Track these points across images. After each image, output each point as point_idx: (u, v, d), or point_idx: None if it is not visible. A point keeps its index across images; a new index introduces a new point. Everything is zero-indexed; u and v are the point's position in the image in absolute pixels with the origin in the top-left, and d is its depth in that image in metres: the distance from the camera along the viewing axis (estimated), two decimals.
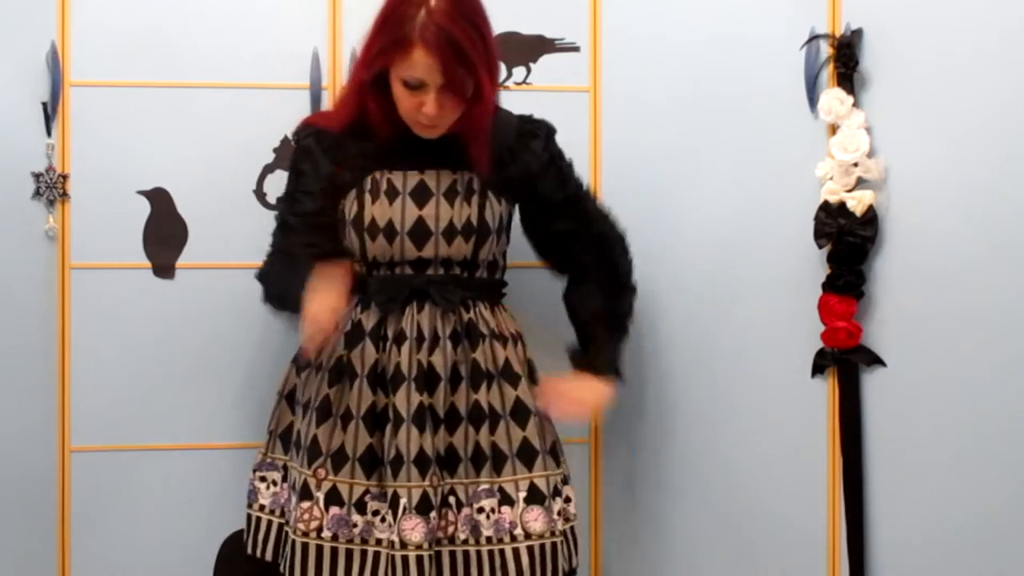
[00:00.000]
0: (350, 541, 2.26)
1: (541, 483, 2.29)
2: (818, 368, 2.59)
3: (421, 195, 2.30)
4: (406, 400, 2.26)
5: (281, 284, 2.36)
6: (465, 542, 2.26)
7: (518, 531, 2.26)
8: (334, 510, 2.27)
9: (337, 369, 2.31)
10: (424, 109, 2.20)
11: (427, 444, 2.25)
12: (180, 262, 2.63)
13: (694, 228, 2.67)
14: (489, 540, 2.26)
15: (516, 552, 2.26)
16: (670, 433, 2.69)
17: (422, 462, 2.24)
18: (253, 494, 2.40)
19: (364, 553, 2.26)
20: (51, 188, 2.58)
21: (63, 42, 2.58)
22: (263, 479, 2.39)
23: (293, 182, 2.37)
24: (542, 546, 2.28)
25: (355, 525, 2.26)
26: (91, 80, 2.60)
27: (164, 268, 2.62)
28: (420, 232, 2.29)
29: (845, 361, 2.56)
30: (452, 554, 2.27)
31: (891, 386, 2.53)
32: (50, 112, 2.57)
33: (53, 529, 2.61)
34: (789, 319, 2.61)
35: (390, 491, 2.25)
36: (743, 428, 2.65)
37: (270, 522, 2.37)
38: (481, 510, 2.26)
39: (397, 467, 2.24)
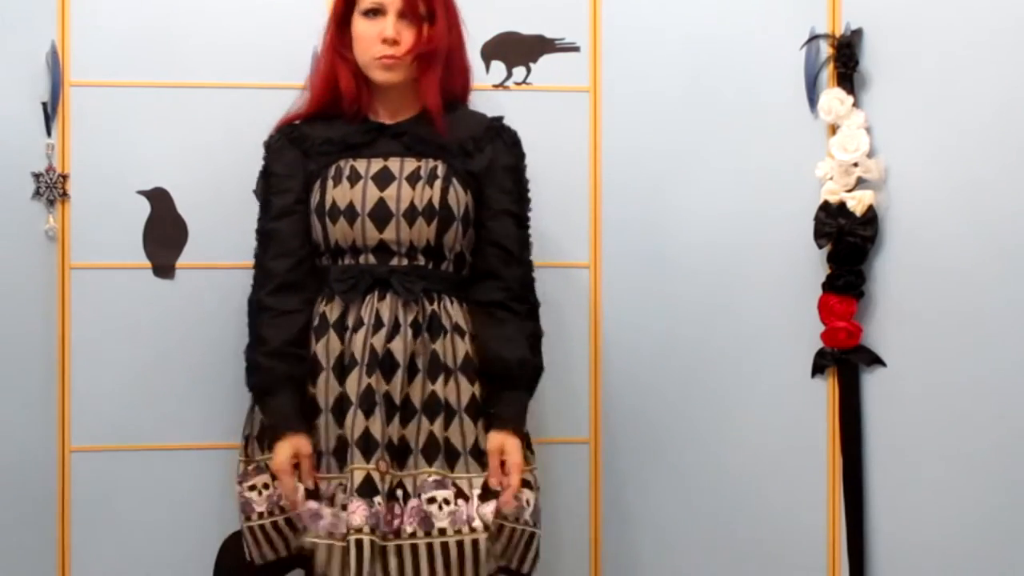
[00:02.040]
0: (316, 536, 2.25)
1: (492, 482, 2.27)
2: (818, 368, 2.59)
3: (383, 179, 2.31)
4: (356, 383, 2.25)
5: (257, 395, 2.34)
6: (413, 535, 2.23)
7: (476, 523, 2.24)
8: (310, 504, 2.27)
9: (311, 369, 2.31)
10: (384, 32, 2.28)
11: (375, 428, 2.23)
12: (180, 262, 2.62)
13: (694, 228, 2.67)
14: (443, 532, 2.23)
15: (475, 543, 2.24)
16: (670, 433, 2.69)
17: (367, 444, 2.22)
18: (248, 505, 2.36)
19: (330, 548, 2.24)
20: (51, 188, 2.57)
21: (63, 42, 2.58)
22: (253, 487, 2.36)
23: (264, 188, 2.39)
24: (500, 526, 2.29)
25: (322, 517, 2.25)
26: (91, 80, 2.59)
27: (164, 268, 2.62)
28: (381, 214, 2.29)
29: (845, 361, 2.56)
30: (399, 548, 2.23)
31: (891, 386, 2.53)
32: (50, 112, 2.57)
33: (53, 529, 2.60)
34: (789, 319, 2.61)
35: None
36: (744, 428, 2.65)
37: (274, 523, 2.35)
38: (432, 500, 2.24)
39: (343, 451, 2.25)
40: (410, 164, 2.32)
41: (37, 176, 2.57)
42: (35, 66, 2.57)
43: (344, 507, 2.23)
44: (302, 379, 2.30)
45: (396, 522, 2.24)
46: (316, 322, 2.32)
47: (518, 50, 2.69)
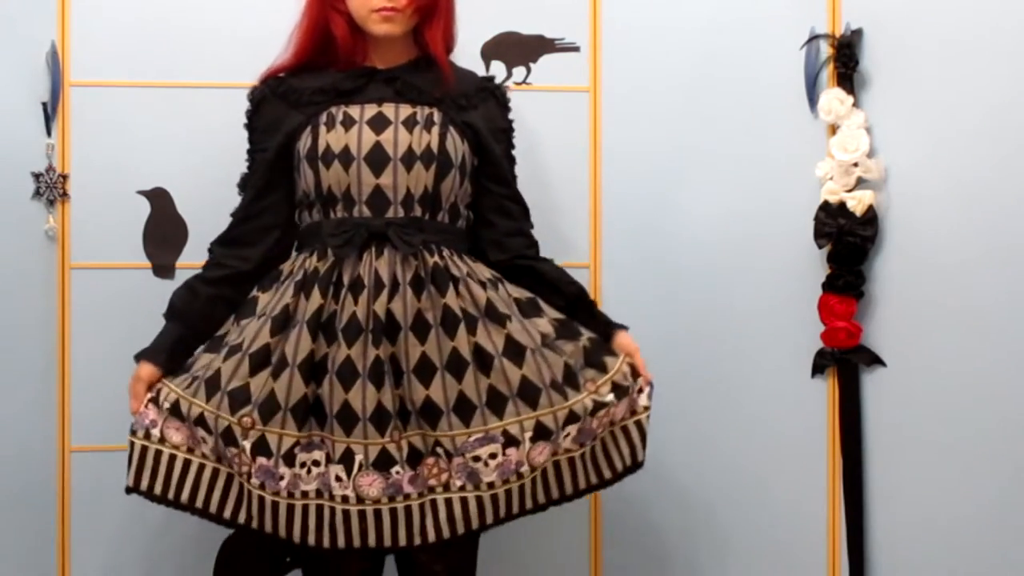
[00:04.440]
0: (276, 494, 2.16)
1: (547, 420, 2.18)
2: (818, 368, 2.59)
3: (379, 123, 2.26)
4: (362, 354, 2.17)
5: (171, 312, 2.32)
6: (463, 488, 2.17)
7: (524, 468, 2.17)
8: (261, 460, 2.16)
9: (283, 317, 2.22)
10: None
11: (386, 399, 2.16)
12: (180, 262, 2.63)
13: (694, 228, 2.67)
14: (492, 485, 2.16)
15: (521, 488, 2.18)
16: (671, 432, 2.68)
17: (380, 418, 2.15)
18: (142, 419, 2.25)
19: (291, 508, 2.16)
20: (51, 188, 2.58)
21: (63, 42, 2.58)
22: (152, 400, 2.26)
23: (248, 140, 2.37)
24: (544, 471, 2.21)
25: (281, 478, 2.16)
26: (91, 80, 2.60)
27: (164, 268, 2.62)
28: (378, 157, 2.23)
29: (845, 361, 2.56)
30: (449, 501, 2.18)
31: (891, 386, 2.54)
32: (50, 112, 2.57)
33: (53, 529, 2.61)
34: (789, 319, 2.61)
35: (339, 446, 2.16)
36: (744, 428, 2.65)
37: (131, 444, 2.25)
38: (477, 459, 2.16)
39: (350, 423, 2.16)
40: (405, 110, 2.27)
41: (37, 176, 2.57)
42: (35, 66, 2.57)
43: (303, 464, 2.16)
44: (190, 317, 2.28)
45: (444, 476, 2.18)
46: (299, 276, 2.25)
47: (518, 50, 2.69)
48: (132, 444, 2.25)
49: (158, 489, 2.24)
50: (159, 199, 2.62)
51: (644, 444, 2.31)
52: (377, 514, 2.17)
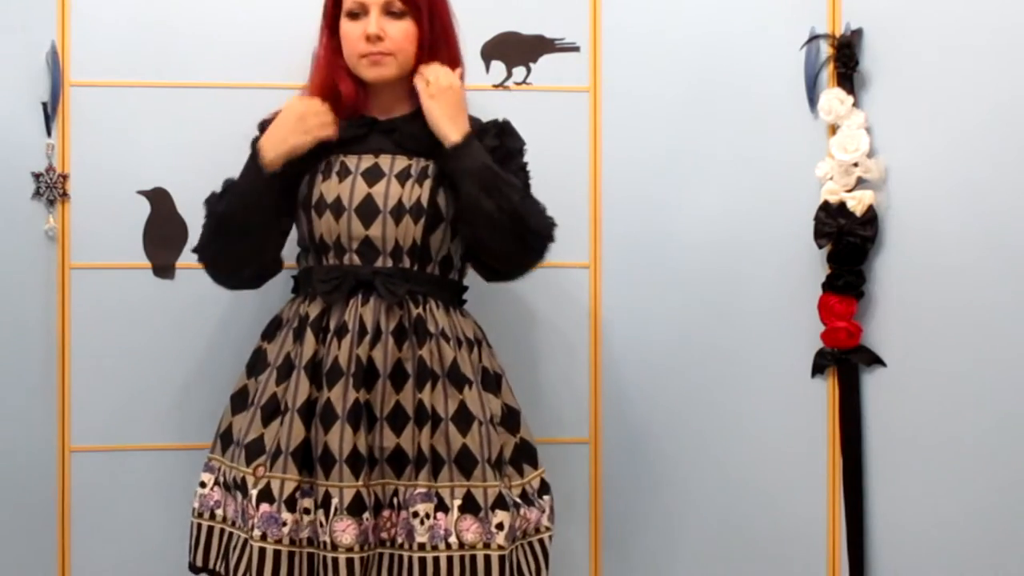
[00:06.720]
0: (278, 541, 2.19)
1: (478, 493, 2.21)
2: (818, 368, 2.59)
3: (373, 175, 2.28)
4: (342, 396, 2.20)
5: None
6: (401, 546, 2.21)
7: (452, 539, 2.19)
8: (264, 507, 2.20)
9: (286, 366, 2.27)
10: (367, 29, 2.26)
11: (361, 443, 2.19)
12: (180, 262, 2.62)
13: (694, 228, 2.67)
14: (422, 547, 2.19)
15: (449, 560, 2.19)
16: (670, 433, 2.69)
17: (355, 461, 2.18)
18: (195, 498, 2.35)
19: (292, 555, 2.20)
20: (51, 188, 2.58)
21: (63, 42, 2.58)
22: (202, 483, 2.34)
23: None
24: (473, 557, 2.20)
25: (284, 523, 2.19)
26: (91, 80, 2.59)
27: (164, 268, 2.62)
28: (368, 209, 2.25)
29: (845, 361, 2.56)
30: (392, 557, 2.22)
31: (891, 386, 2.54)
32: (50, 112, 2.57)
33: (53, 529, 2.61)
34: (789, 319, 2.61)
35: (321, 489, 2.19)
36: (743, 428, 2.65)
37: (199, 526, 2.33)
38: (416, 514, 2.20)
39: (329, 465, 2.19)
40: (401, 162, 2.29)
41: (37, 176, 2.57)
42: (35, 66, 2.57)
43: (306, 511, 2.20)
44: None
45: (393, 531, 2.23)
46: (296, 323, 2.29)
47: (518, 50, 2.69)
48: (199, 527, 2.33)
49: (218, 566, 2.32)
50: (159, 199, 2.62)
51: (547, 565, 2.31)
52: (349, 563, 2.18)
